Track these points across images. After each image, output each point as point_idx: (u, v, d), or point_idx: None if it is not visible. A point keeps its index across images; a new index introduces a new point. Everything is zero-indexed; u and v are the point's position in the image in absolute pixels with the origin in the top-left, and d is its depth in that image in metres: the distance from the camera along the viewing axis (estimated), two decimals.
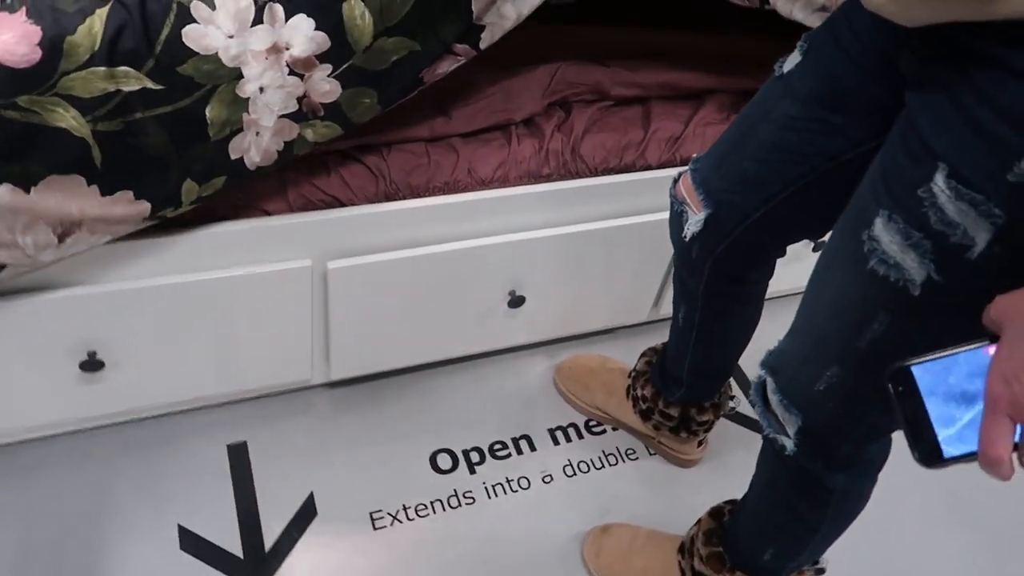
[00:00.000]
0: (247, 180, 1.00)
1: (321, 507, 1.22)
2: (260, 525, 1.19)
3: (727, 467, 1.37)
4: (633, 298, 1.45)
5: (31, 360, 1.05)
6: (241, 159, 0.97)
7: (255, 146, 0.96)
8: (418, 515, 1.24)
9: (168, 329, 1.10)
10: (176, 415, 1.28)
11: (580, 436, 1.39)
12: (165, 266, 1.05)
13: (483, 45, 1.04)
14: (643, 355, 1.32)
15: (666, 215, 1.04)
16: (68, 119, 0.84)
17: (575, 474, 1.33)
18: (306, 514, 1.21)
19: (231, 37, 0.88)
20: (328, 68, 0.94)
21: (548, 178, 1.22)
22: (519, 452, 1.35)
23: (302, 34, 0.90)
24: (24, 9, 0.80)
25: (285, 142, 0.99)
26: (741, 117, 0.92)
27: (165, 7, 0.84)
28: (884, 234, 0.67)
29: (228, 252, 1.07)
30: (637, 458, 1.37)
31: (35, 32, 0.79)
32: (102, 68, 0.83)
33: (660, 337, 1.55)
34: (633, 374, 1.33)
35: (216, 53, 0.87)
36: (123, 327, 1.07)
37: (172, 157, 0.91)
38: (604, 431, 1.40)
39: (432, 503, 1.25)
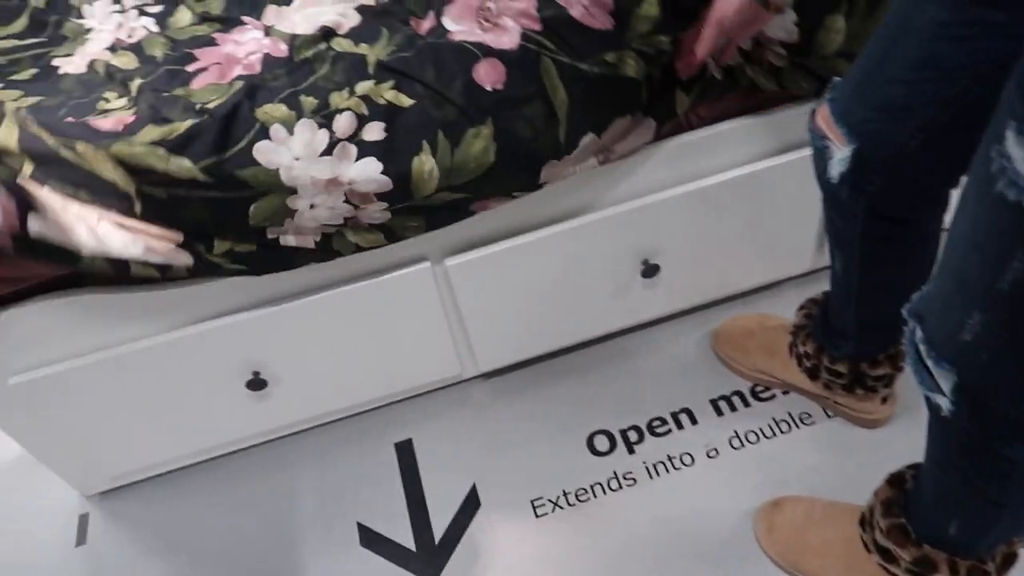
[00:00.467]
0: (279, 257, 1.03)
1: (484, 497, 1.25)
2: (429, 518, 1.24)
3: (924, 423, 1.20)
4: (790, 247, 1.32)
5: (205, 384, 1.17)
6: (277, 239, 1.00)
7: (294, 236, 1.00)
8: (579, 500, 1.22)
9: (316, 344, 1.17)
10: (345, 419, 1.37)
11: (746, 404, 1.29)
12: (303, 286, 1.11)
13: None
14: (801, 307, 1.21)
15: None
16: (116, 174, 0.92)
17: (743, 446, 1.24)
18: (471, 505, 1.24)
19: (297, 159, 0.92)
20: (384, 205, 0.97)
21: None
22: (679, 427, 1.28)
23: (367, 176, 0.94)
24: (135, 108, 0.94)
25: (324, 234, 1.01)
26: (880, 31, 0.79)
27: (248, 125, 0.92)
28: (1016, 149, 0.54)
29: (349, 265, 1.11)
30: (813, 422, 1.25)
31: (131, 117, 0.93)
32: (162, 151, 0.91)
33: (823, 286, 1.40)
34: (793, 328, 1.21)
35: (278, 170, 0.92)
36: (279, 346, 1.16)
37: (209, 227, 0.96)
38: (773, 396, 1.29)
39: (592, 487, 1.23)
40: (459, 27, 0.98)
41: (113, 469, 1.27)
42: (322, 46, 1.01)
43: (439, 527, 1.22)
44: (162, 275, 0.99)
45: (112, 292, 1.05)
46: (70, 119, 0.93)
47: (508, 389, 1.38)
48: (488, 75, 0.95)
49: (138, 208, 0.93)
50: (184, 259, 0.97)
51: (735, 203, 1.19)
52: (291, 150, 0.93)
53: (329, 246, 1.02)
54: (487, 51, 0.96)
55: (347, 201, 0.96)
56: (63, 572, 1.25)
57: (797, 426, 1.25)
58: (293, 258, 1.02)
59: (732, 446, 1.24)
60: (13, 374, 1.08)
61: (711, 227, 1.21)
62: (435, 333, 1.22)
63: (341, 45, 1.00)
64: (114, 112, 0.95)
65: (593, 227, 1.14)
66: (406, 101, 0.95)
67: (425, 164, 0.95)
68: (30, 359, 1.08)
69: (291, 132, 0.92)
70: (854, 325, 1.06)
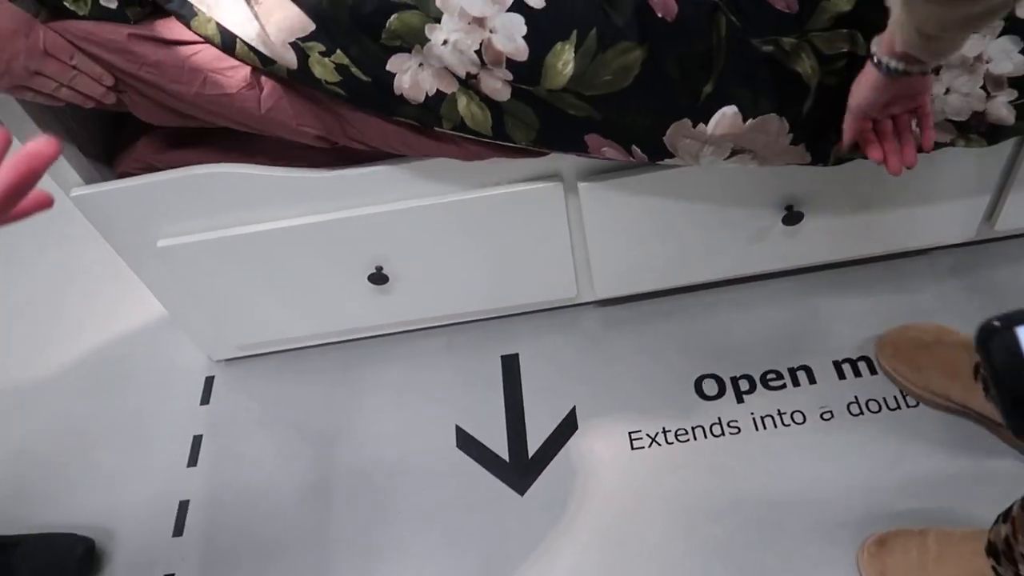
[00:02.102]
0: None
1: (582, 422, 1.25)
2: (526, 433, 1.25)
3: None
4: (955, 211, 1.20)
5: (332, 271, 1.21)
6: (392, 81, 0.97)
7: (409, 81, 0.96)
8: (677, 439, 1.20)
9: (441, 246, 1.19)
10: (457, 325, 1.39)
11: (873, 372, 1.22)
12: (437, 187, 1.12)
13: (661, 160, 1.00)
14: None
15: None
16: None
17: (862, 413, 1.18)
18: (568, 427, 1.25)
19: None
20: (509, 76, 0.93)
21: None
22: (795, 384, 1.23)
23: (510, 31, 0.90)
24: None
25: (438, 91, 0.97)
26: None
27: None
28: None
29: (487, 173, 1.10)
30: None
31: None
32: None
33: (996, 262, 1.29)
34: None
35: None
36: (403, 244, 1.18)
37: (341, 27, 0.94)
38: None
39: (693, 429, 1.21)
40: None
41: (241, 339, 1.36)
42: None
43: (534, 443, 1.24)
44: (261, 63, 0.98)
45: (257, 171, 1.09)
46: None
47: (621, 319, 1.36)
48: (661, 4, 0.90)
49: None
50: (289, 58, 0.96)
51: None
52: None
53: (436, 108, 0.99)
54: None
55: (479, 52, 0.93)
56: (186, 426, 1.37)
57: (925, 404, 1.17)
58: (396, 106, 0.99)
59: (850, 412, 1.18)
60: (162, 237, 1.16)
61: (862, 178, 1.12)
62: (557, 253, 1.21)
63: None
64: None
65: (737, 172, 1.08)
66: None
67: (564, 54, 0.91)
68: (178, 226, 1.15)
69: None
70: None
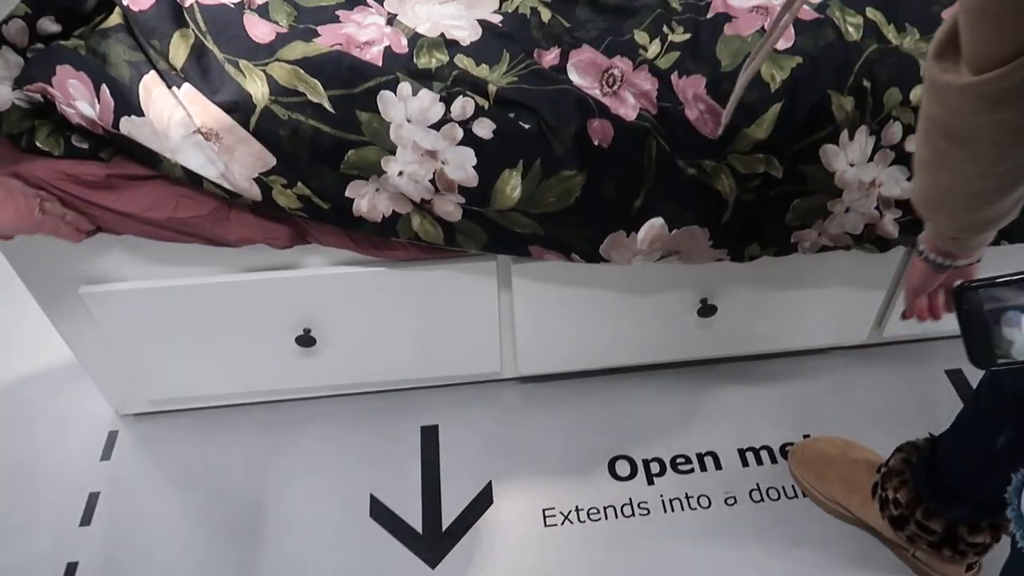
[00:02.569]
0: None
1: (498, 496, 1.26)
2: (441, 505, 1.26)
3: None
4: (849, 316, 1.32)
5: (259, 331, 1.21)
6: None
7: (367, 206, 1.03)
8: (590, 518, 1.23)
9: (372, 313, 1.20)
10: (378, 393, 1.40)
11: (774, 460, 1.29)
12: (369, 256, 1.14)
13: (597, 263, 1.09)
14: (899, 450, 1.12)
15: None
16: (255, 87, 0.98)
17: (763, 500, 1.24)
18: (484, 500, 1.26)
19: (408, 121, 0.97)
20: (461, 200, 1.01)
21: None
22: (703, 468, 1.28)
23: (461, 162, 0.98)
24: None
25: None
26: None
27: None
28: None
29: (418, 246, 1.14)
30: None
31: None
32: (302, 71, 0.97)
33: (879, 362, 1.40)
34: (884, 470, 1.13)
35: (390, 124, 0.97)
36: (334, 308, 1.19)
37: (302, 164, 1.00)
38: None
39: (605, 508, 1.24)
40: (582, 81, 1.01)
41: (152, 394, 1.32)
42: (444, 58, 1.00)
43: (449, 515, 1.24)
44: (229, 196, 1.02)
45: None
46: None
47: (541, 397, 1.39)
48: (599, 132, 0.98)
49: (253, 123, 0.96)
50: (254, 192, 1.00)
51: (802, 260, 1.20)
52: (407, 110, 0.96)
53: (392, 226, 1.05)
54: (604, 112, 0.99)
55: (432, 181, 0.99)
56: (83, 481, 1.30)
57: None
58: (355, 224, 1.05)
59: (752, 498, 1.24)
60: (85, 283, 1.13)
61: (772, 281, 1.22)
62: (485, 329, 1.25)
63: (463, 62, 1.00)
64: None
65: (652, 269, 1.15)
66: (522, 126, 0.98)
67: (512, 180, 0.99)
68: (103, 273, 1.13)
69: (415, 93, 0.96)
70: (987, 494, 0.95)
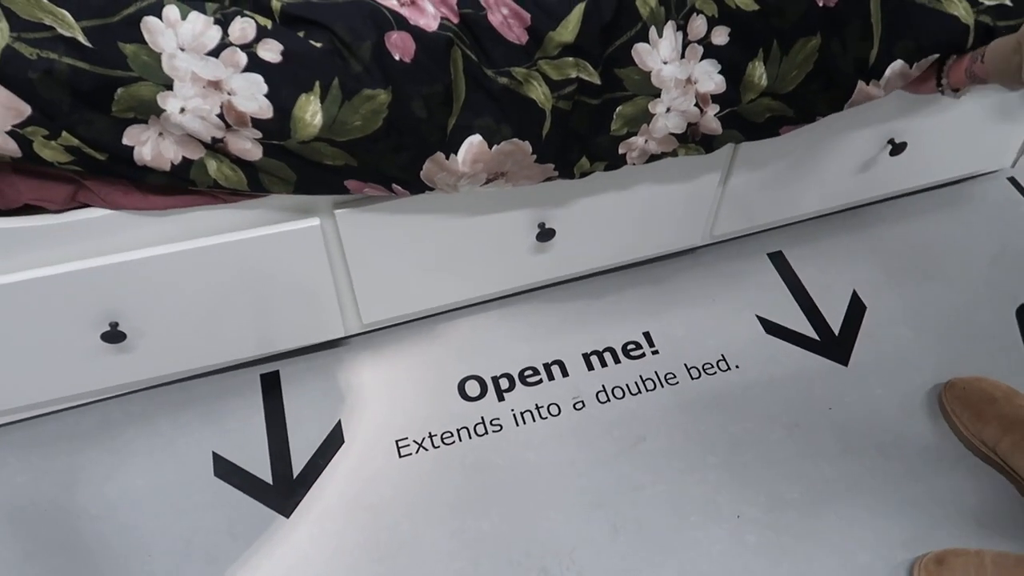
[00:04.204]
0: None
1: (348, 435, 1.23)
2: (289, 453, 1.21)
3: None
4: (683, 222, 1.34)
5: (54, 333, 1.05)
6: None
7: (151, 151, 0.92)
8: (443, 442, 1.23)
9: (190, 296, 1.08)
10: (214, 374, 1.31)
11: (617, 360, 1.33)
12: (178, 233, 1.02)
13: (422, 193, 1.05)
14: None
15: None
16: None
17: (609, 400, 1.28)
18: (334, 442, 1.22)
19: (181, 49, 0.86)
20: (258, 134, 0.92)
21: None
22: (551, 378, 1.30)
23: (251, 91, 0.89)
24: None
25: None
26: None
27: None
28: None
29: (236, 219, 1.04)
30: (677, 382, 1.30)
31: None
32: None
33: (718, 263, 1.39)
34: None
35: (161, 54, 0.86)
36: (143, 296, 1.06)
37: (63, 109, 0.88)
38: (643, 355, 1.33)
39: (459, 430, 1.24)
40: None
41: None
42: None
43: (299, 462, 1.20)
44: None
45: None
46: None
47: (385, 340, 1.35)
48: (398, 46, 0.91)
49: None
50: (11, 147, 0.87)
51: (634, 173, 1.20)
52: (179, 37, 0.86)
53: (185, 174, 0.95)
54: (402, 23, 0.92)
55: (221, 116, 0.90)
56: None
57: (662, 384, 1.29)
58: (143, 175, 0.94)
59: (599, 400, 1.28)
60: None
61: (610, 198, 1.22)
62: (320, 291, 1.16)
63: None
64: None
65: (485, 198, 1.09)
66: (313, 45, 0.89)
67: (311, 105, 0.90)
68: None
69: (184, 17, 0.85)
70: None
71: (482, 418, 1.25)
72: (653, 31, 1.00)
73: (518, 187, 1.11)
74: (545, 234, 1.22)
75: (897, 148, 1.33)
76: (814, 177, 1.36)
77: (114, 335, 1.07)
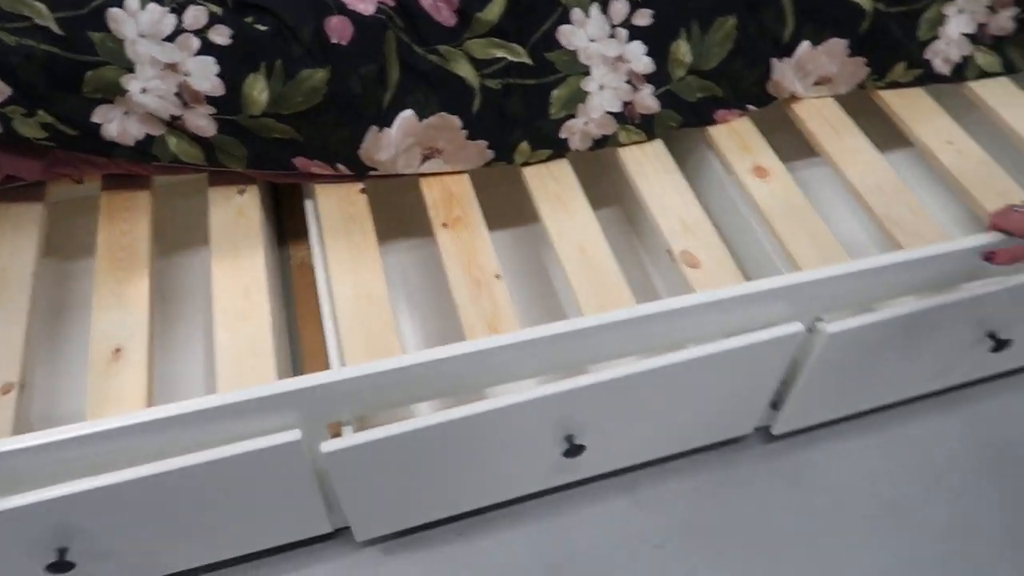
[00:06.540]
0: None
1: None
2: None
3: None
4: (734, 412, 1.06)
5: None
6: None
7: (117, 128, 1.00)
8: None
9: (156, 514, 0.87)
10: None
11: None
12: (143, 457, 0.83)
13: (366, 174, 1.09)
14: None
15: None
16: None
17: None
18: None
19: (141, 36, 0.99)
20: (212, 110, 1.01)
21: None
22: None
23: (204, 72, 1.00)
24: None
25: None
26: None
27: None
28: None
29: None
30: None
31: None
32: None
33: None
34: None
35: (123, 41, 0.98)
36: (102, 523, 0.85)
37: (39, 90, 0.96)
38: None
39: None
40: None
41: None
42: None
43: None
44: None
45: None
46: None
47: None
48: (337, 30, 1.03)
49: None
50: None
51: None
52: (138, 25, 0.95)
53: (147, 150, 1.00)
54: (341, 8, 1.04)
55: (179, 95, 0.96)
56: None
57: None
58: (110, 149, 0.99)
59: None
60: None
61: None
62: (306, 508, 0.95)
63: None
64: None
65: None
66: (260, 29, 1.00)
67: (257, 83, 0.98)
68: None
69: (143, 7, 0.96)
70: None
71: None
72: (577, 11, 1.08)
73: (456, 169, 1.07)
74: (574, 449, 0.97)
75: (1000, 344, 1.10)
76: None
77: (61, 564, 0.83)
